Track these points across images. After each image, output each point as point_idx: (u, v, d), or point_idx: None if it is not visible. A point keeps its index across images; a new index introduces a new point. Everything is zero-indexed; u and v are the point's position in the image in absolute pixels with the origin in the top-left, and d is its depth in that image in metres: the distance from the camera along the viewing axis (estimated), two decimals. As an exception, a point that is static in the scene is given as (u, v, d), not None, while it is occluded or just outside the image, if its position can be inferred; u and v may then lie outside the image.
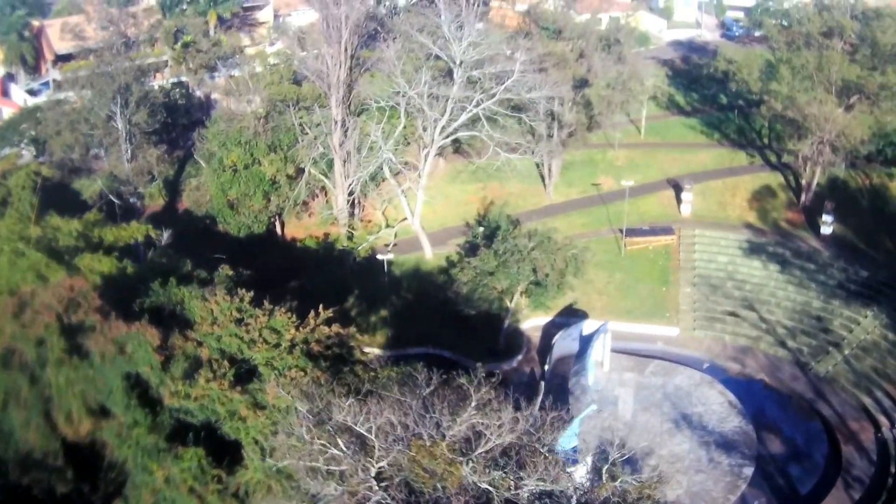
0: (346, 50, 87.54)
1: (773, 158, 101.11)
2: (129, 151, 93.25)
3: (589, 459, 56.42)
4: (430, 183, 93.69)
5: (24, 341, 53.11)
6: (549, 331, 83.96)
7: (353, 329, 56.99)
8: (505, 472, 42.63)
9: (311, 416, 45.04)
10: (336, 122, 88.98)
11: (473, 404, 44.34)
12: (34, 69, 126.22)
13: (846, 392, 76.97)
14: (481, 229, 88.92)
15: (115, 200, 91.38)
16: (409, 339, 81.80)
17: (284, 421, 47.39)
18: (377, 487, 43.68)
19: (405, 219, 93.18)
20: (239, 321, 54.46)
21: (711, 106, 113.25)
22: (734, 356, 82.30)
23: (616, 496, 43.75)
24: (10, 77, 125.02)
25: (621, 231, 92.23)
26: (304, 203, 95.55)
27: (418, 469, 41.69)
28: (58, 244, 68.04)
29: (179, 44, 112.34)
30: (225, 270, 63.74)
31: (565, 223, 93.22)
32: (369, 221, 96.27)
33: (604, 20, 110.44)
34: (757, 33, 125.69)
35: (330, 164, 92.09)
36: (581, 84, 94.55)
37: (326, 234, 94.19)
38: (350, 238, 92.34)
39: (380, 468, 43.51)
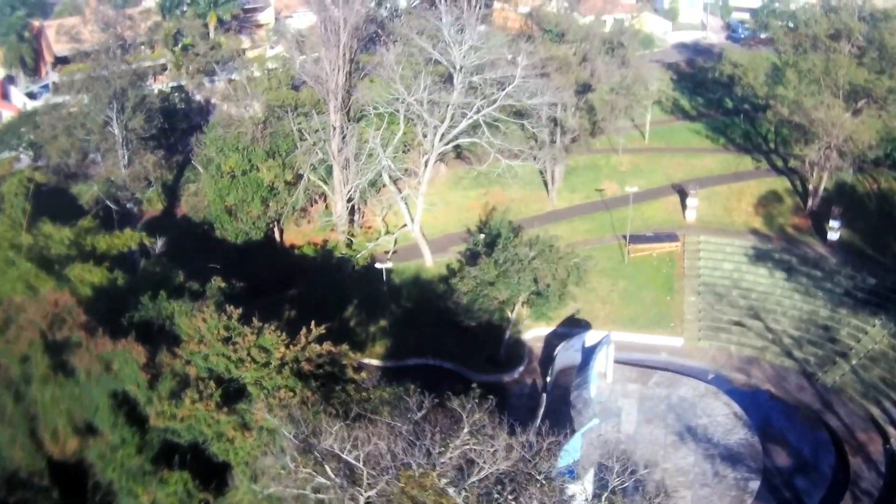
0: (344, 54, 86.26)
1: (779, 163, 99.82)
2: (125, 157, 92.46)
3: (591, 476, 55.36)
4: (431, 188, 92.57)
5: (9, 357, 51.88)
6: (552, 341, 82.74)
7: (345, 346, 55.47)
8: (499, 503, 41.27)
9: (296, 441, 43.68)
10: (334, 128, 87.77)
11: (466, 430, 42.90)
12: (34, 71, 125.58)
13: (854, 403, 75.81)
14: (482, 236, 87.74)
15: (112, 206, 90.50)
16: (409, 349, 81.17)
17: (272, 443, 46.13)
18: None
19: (405, 225, 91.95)
20: (226, 340, 53.09)
21: (717, 110, 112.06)
22: (740, 366, 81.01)
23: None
24: (10, 79, 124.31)
25: (625, 238, 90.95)
26: (304, 209, 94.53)
27: (407, 500, 40.33)
28: (49, 252, 66.94)
29: (179, 47, 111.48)
30: (217, 282, 62.32)
31: (568, 229, 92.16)
32: (369, 228, 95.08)
33: (608, 22, 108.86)
34: (763, 35, 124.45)
35: (329, 171, 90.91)
36: (584, 89, 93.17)
37: (325, 241, 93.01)
38: (349, 245, 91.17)
39: (368, 498, 42.13)
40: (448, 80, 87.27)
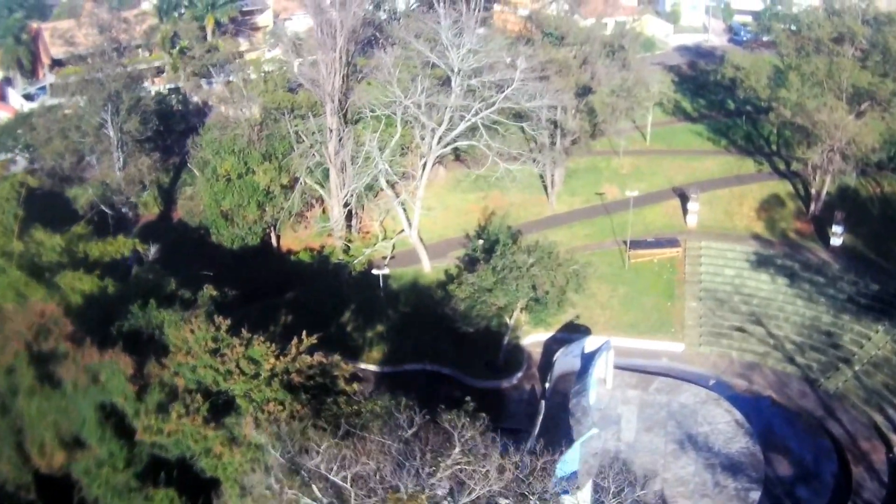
0: (341, 57, 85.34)
1: (781, 166, 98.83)
2: (120, 159, 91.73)
3: (588, 492, 54.41)
4: (430, 191, 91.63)
5: (-6, 368, 51.16)
6: (551, 347, 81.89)
7: (337, 357, 54.57)
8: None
9: (283, 461, 42.64)
10: (331, 131, 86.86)
11: (458, 449, 41.82)
12: (31, 73, 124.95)
13: (856, 409, 74.77)
14: (480, 242, 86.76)
15: (108, 210, 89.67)
16: (406, 354, 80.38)
17: (260, 460, 45.15)
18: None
19: (402, 231, 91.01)
20: (215, 351, 52.09)
21: (718, 112, 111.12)
22: (741, 373, 79.94)
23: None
24: (7, 81, 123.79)
25: (625, 243, 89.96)
26: (300, 214, 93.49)
27: (397, 525, 39.32)
28: (41, 260, 66.33)
29: (176, 49, 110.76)
30: (209, 291, 61.41)
31: (568, 234, 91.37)
32: (367, 233, 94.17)
33: (609, 25, 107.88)
34: (765, 38, 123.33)
35: (325, 174, 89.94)
36: (584, 91, 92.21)
37: (322, 247, 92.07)
38: (346, 251, 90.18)
39: (357, 519, 41.14)
40: (446, 82, 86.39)
